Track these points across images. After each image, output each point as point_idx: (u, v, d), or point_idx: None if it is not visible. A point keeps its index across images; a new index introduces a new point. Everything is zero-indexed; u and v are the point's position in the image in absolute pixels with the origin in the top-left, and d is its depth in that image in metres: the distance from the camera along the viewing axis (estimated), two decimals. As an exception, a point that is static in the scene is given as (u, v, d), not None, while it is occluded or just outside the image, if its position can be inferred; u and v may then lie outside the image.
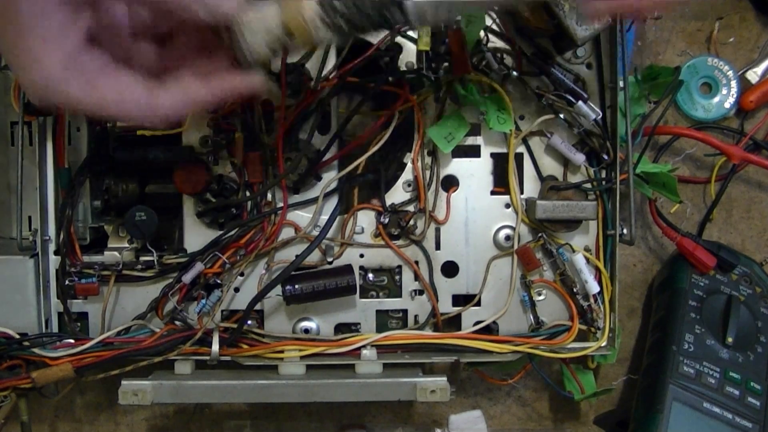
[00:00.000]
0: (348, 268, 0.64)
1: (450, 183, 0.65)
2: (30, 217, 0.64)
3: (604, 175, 0.64)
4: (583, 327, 0.65)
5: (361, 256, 0.65)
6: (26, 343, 0.62)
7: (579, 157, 0.64)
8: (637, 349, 0.74)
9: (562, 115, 0.63)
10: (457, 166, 0.65)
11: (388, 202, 0.64)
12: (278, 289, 0.63)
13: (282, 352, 0.62)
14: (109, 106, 0.42)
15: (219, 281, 0.64)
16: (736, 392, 0.65)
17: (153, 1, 0.41)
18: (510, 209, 0.65)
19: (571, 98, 0.62)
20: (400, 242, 0.65)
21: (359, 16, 0.45)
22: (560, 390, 0.68)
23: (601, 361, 0.67)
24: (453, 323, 0.66)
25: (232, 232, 0.63)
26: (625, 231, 0.64)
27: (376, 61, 0.63)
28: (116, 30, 0.43)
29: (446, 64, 0.62)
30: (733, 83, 0.72)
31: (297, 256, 0.63)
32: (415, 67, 0.63)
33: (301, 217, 0.65)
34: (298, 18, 0.44)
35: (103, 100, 0.42)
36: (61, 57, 0.40)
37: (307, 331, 0.65)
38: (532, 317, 0.66)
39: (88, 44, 0.41)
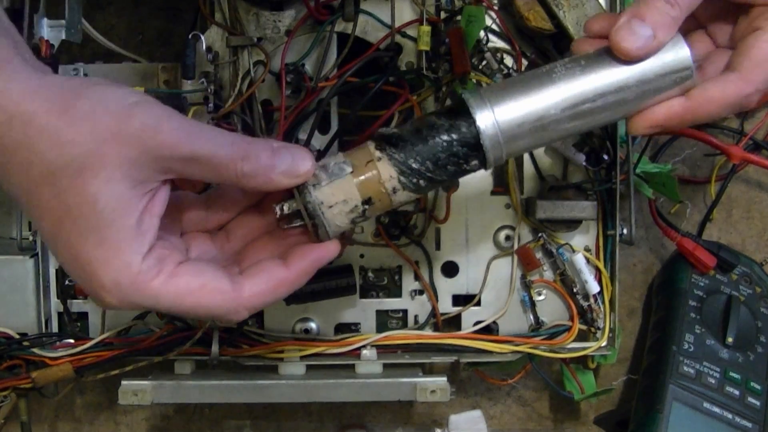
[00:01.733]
0: (348, 268, 0.64)
1: (450, 183, 0.65)
2: (30, 217, 0.64)
3: (604, 175, 0.64)
4: (583, 327, 0.65)
5: (361, 256, 0.65)
6: (26, 343, 0.62)
7: (579, 157, 0.64)
8: (637, 349, 0.74)
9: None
10: (457, 166, 0.65)
11: (388, 202, 0.64)
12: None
13: (282, 352, 0.62)
14: (190, 301, 0.41)
15: (219, 281, 0.64)
16: (736, 392, 0.65)
17: (242, 173, 0.41)
18: (510, 209, 0.65)
19: (571, 98, 0.62)
20: (400, 242, 0.65)
21: (437, 171, 0.44)
22: (560, 390, 0.68)
23: (601, 361, 0.67)
24: (453, 323, 0.66)
25: (232, 232, 0.63)
26: (625, 231, 0.64)
27: (376, 61, 0.63)
28: (193, 217, 0.45)
29: (446, 64, 0.62)
30: (733, 83, 0.72)
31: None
32: (415, 67, 0.63)
33: (301, 217, 0.65)
34: (378, 187, 0.44)
35: (185, 295, 0.40)
36: (138, 256, 0.39)
37: (307, 331, 0.65)
38: (532, 317, 0.66)
39: (161, 241, 0.41)
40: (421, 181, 0.44)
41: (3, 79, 0.38)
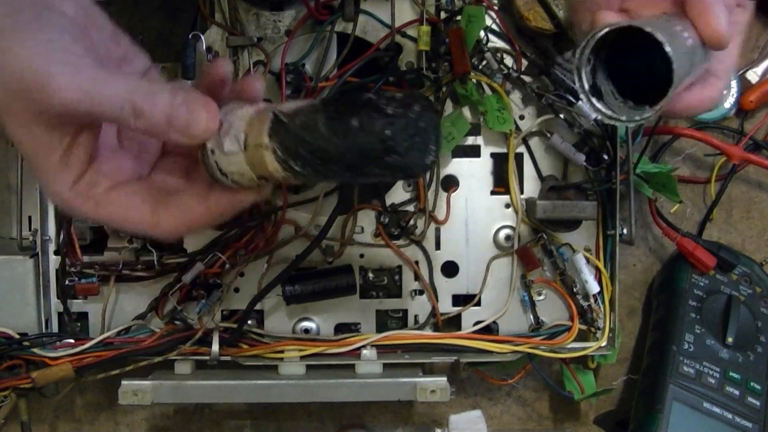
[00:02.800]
0: (348, 268, 0.64)
1: (450, 183, 0.65)
2: (30, 217, 0.64)
3: (604, 175, 0.64)
4: (583, 327, 0.65)
5: (361, 256, 0.65)
6: (26, 343, 0.62)
7: (579, 157, 0.64)
8: (637, 349, 0.74)
9: (562, 115, 0.63)
10: (457, 166, 0.65)
11: (388, 202, 0.64)
12: (278, 289, 0.63)
13: (282, 352, 0.62)
14: (116, 224, 0.45)
15: (219, 281, 0.64)
16: (736, 392, 0.65)
17: (138, 129, 0.41)
18: (510, 209, 0.65)
19: (571, 98, 0.62)
20: (400, 242, 0.65)
21: (327, 165, 0.39)
22: (560, 390, 0.68)
23: (601, 361, 0.67)
24: (453, 323, 0.66)
25: (232, 232, 0.63)
26: (625, 231, 0.64)
27: (376, 61, 0.63)
28: (115, 156, 0.46)
29: (446, 64, 0.62)
30: (733, 83, 0.72)
31: (297, 256, 0.63)
32: (415, 67, 0.63)
33: (301, 217, 0.65)
34: (268, 173, 0.41)
35: (111, 219, 0.44)
36: (66, 185, 0.43)
37: (307, 331, 0.65)
38: (532, 317, 0.66)
39: (91, 170, 0.43)
40: (306, 170, 0.40)
41: None
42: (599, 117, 0.45)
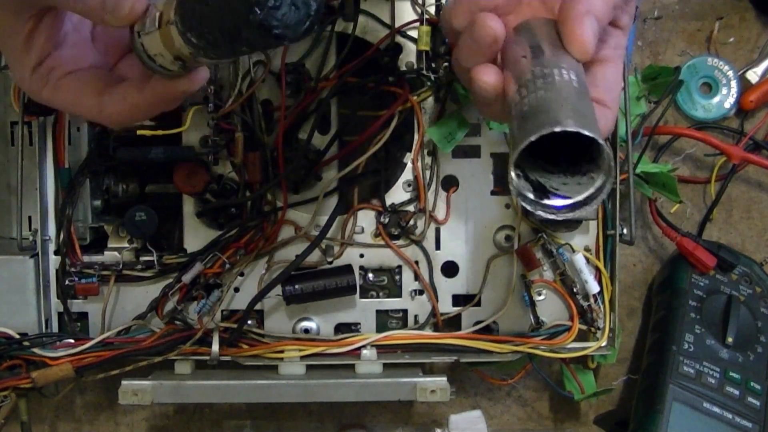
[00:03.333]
0: (348, 268, 0.64)
1: (450, 183, 0.65)
2: (30, 217, 0.64)
3: (604, 175, 0.64)
4: (583, 327, 0.65)
5: (361, 256, 0.65)
6: (26, 343, 0.62)
7: (579, 157, 0.63)
8: (637, 349, 0.74)
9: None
10: (457, 166, 0.65)
11: (388, 202, 0.64)
12: (278, 289, 0.63)
13: (282, 352, 0.62)
14: (69, 109, 0.50)
15: (219, 281, 0.64)
16: (736, 392, 0.65)
17: (78, 12, 0.44)
18: (510, 209, 0.65)
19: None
20: (400, 242, 0.65)
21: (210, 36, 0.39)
22: (560, 390, 0.68)
23: (601, 361, 0.67)
24: (453, 323, 0.66)
25: (232, 232, 0.63)
26: (625, 231, 0.64)
27: (376, 61, 0.63)
28: (71, 41, 0.48)
29: (446, 64, 0.62)
30: (733, 83, 0.72)
31: (297, 256, 0.63)
32: (415, 67, 0.63)
33: (301, 217, 0.65)
34: (179, 51, 0.42)
35: (64, 104, 0.48)
36: (28, 68, 0.47)
37: (307, 331, 0.65)
38: (532, 317, 0.66)
39: (53, 56, 0.47)
40: (203, 46, 0.40)
41: None
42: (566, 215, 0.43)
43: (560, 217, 0.43)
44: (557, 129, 0.39)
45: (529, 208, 0.43)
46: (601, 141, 0.39)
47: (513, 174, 0.42)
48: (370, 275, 0.66)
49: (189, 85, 0.46)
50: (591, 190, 0.42)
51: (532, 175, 0.43)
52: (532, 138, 0.39)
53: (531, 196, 0.43)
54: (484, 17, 0.45)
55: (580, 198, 0.42)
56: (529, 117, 0.41)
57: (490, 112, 0.48)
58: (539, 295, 0.66)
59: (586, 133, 0.39)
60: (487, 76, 0.45)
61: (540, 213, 0.43)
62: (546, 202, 0.43)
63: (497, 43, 0.45)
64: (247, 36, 0.37)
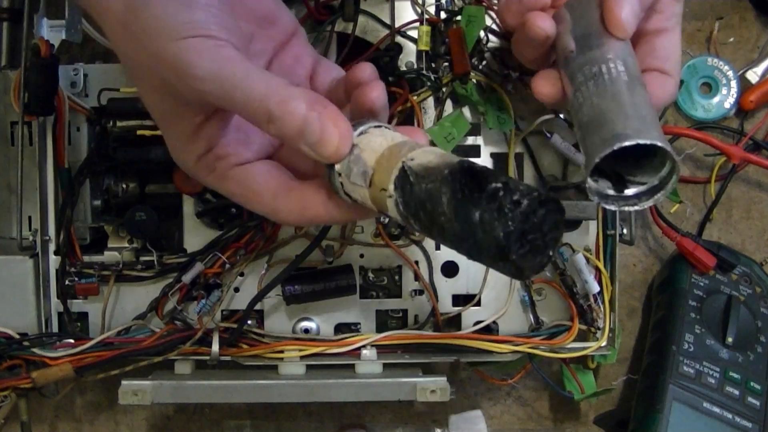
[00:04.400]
0: (348, 268, 0.64)
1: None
2: (30, 217, 0.64)
3: (604, 175, 0.64)
4: (583, 327, 0.65)
5: (361, 256, 0.65)
6: (26, 343, 0.62)
7: (579, 157, 0.64)
8: (637, 349, 0.74)
9: (562, 115, 0.63)
10: (457, 166, 0.65)
11: (388, 202, 0.64)
12: (278, 289, 0.63)
13: (282, 352, 0.62)
14: (238, 200, 0.45)
15: (219, 281, 0.64)
16: (736, 392, 0.65)
17: (270, 133, 0.41)
18: (510, 209, 0.65)
19: (571, 98, 0.62)
20: (400, 242, 0.65)
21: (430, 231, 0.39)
22: (560, 390, 0.68)
23: (601, 361, 0.67)
24: (453, 323, 0.66)
25: (232, 232, 0.63)
26: (625, 231, 0.64)
27: (376, 61, 0.63)
28: (247, 132, 0.46)
29: (446, 64, 0.62)
30: (733, 83, 0.72)
31: (297, 256, 0.63)
32: (415, 67, 0.63)
33: (301, 217, 0.65)
34: (386, 209, 0.40)
35: (232, 195, 0.45)
36: (193, 156, 0.44)
37: (307, 331, 0.65)
38: (532, 317, 0.66)
39: (220, 145, 0.44)
40: (412, 220, 0.39)
41: None
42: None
43: (642, 205, 0.45)
44: (616, 147, 0.41)
45: (612, 207, 0.45)
46: (660, 143, 0.41)
47: (590, 181, 0.44)
48: (370, 275, 0.66)
49: (380, 215, 0.43)
50: (662, 173, 0.44)
51: (607, 169, 0.45)
52: (597, 160, 0.42)
53: (611, 192, 0.45)
54: (534, 18, 0.47)
55: (655, 182, 0.45)
56: (590, 130, 0.44)
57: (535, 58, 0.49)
58: (539, 295, 0.66)
59: (646, 142, 0.41)
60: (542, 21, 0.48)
61: (624, 208, 0.45)
62: (627, 193, 0.45)
63: (549, 39, 0.48)
64: (485, 261, 0.38)
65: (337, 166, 0.41)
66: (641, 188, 0.45)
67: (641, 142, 0.41)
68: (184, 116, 0.43)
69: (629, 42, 0.47)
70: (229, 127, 0.45)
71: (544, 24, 0.47)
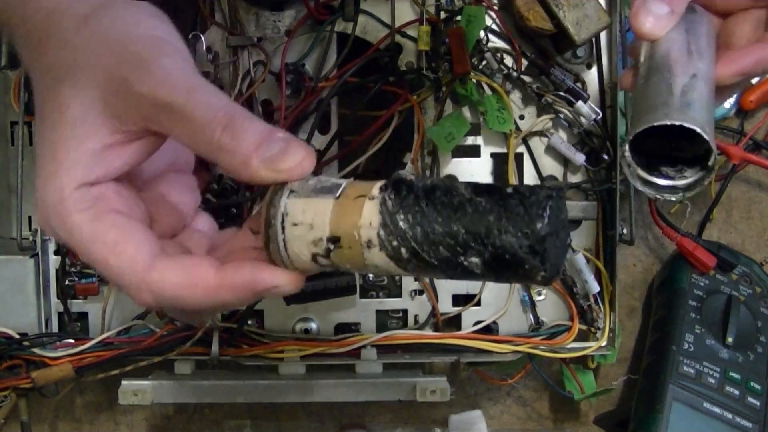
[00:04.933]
0: (348, 268, 0.64)
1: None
2: (30, 217, 0.64)
3: (604, 175, 0.64)
4: (583, 327, 0.65)
5: (361, 256, 0.65)
6: (26, 343, 0.62)
7: (579, 157, 0.64)
8: (637, 349, 0.74)
9: (562, 115, 0.63)
10: (457, 166, 0.65)
11: (388, 202, 0.64)
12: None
13: (282, 352, 0.62)
14: (98, 252, 0.37)
15: (219, 281, 0.64)
16: (736, 392, 0.65)
17: (216, 145, 0.35)
18: (510, 209, 0.65)
19: (571, 98, 0.62)
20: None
21: (425, 245, 0.33)
22: (560, 390, 0.68)
23: (601, 361, 0.67)
24: (453, 323, 0.66)
25: (232, 232, 0.63)
26: (625, 231, 0.64)
27: (376, 61, 0.63)
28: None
29: (446, 64, 0.62)
30: (733, 83, 0.72)
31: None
32: (415, 67, 0.63)
33: (301, 217, 0.64)
34: (352, 230, 0.34)
35: (96, 242, 0.37)
36: (77, 180, 0.36)
37: (307, 331, 0.65)
38: (532, 317, 0.66)
39: (113, 184, 0.38)
40: (403, 249, 0.34)
41: None
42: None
43: (660, 195, 0.45)
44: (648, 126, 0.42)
45: (637, 182, 0.45)
46: (706, 136, 0.41)
47: (627, 147, 0.44)
48: (370, 275, 0.66)
49: (292, 285, 0.36)
50: (692, 179, 0.45)
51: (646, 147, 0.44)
52: (630, 137, 0.43)
53: (639, 170, 0.45)
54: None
55: (681, 183, 0.45)
56: (635, 107, 0.44)
57: None
58: (539, 295, 0.66)
59: (674, 123, 0.41)
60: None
61: (645, 189, 0.45)
62: (651, 179, 0.45)
63: None
64: (513, 269, 0.33)
65: (291, 185, 0.36)
66: (667, 182, 0.45)
67: (668, 123, 0.41)
68: (102, 127, 0.36)
69: (699, 21, 0.47)
70: (138, 164, 0.38)
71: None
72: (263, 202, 0.36)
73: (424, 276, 0.36)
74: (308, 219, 0.35)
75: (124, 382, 0.60)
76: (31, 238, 0.63)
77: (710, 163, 0.43)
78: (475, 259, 0.33)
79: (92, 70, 0.36)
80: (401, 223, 0.33)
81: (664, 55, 0.45)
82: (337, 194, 0.35)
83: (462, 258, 0.33)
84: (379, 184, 0.35)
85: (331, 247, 0.34)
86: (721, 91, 0.46)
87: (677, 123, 0.41)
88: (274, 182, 0.36)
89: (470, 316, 0.66)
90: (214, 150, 0.35)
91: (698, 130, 0.41)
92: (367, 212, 0.34)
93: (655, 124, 0.41)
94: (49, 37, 0.38)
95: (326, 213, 0.34)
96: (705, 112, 0.43)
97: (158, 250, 0.37)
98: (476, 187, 0.33)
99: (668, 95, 0.43)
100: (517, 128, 0.64)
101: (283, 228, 0.35)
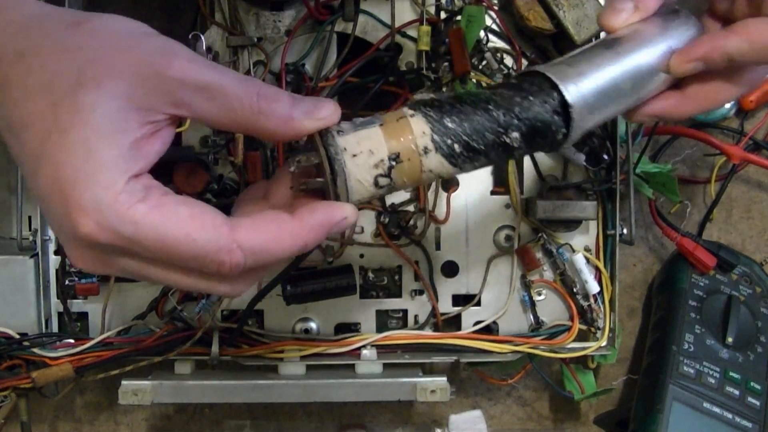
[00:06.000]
0: (348, 268, 0.64)
1: (450, 183, 0.65)
2: (30, 217, 0.64)
3: (604, 175, 0.64)
4: (583, 327, 0.65)
5: (361, 256, 0.65)
6: (26, 343, 0.62)
7: (579, 157, 0.64)
8: (637, 349, 0.74)
9: (562, 115, 0.63)
10: (457, 166, 0.65)
11: (388, 202, 0.64)
12: (278, 289, 0.63)
13: (282, 352, 0.62)
14: (177, 237, 0.37)
15: (219, 281, 0.64)
16: (736, 392, 0.65)
17: (255, 110, 0.38)
18: (510, 209, 0.65)
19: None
20: (400, 242, 0.65)
21: (475, 135, 0.41)
22: (560, 390, 0.68)
23: (601, 361, 0.67)
24: (453, 323, 0.66)
25: (232, 232, 0.63)
26: (625, 231, 0.64)
27: (376, 61, 0.63)
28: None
29: (446, 64, 0.62)
30: (733, 83, 0.72)
31: (297, 256, 0.63)
32: (415, 67, 0.63)
33: (301, 217, 0.64)
34: (408, 143, 0.40)
35: (170, 228, 0.36)
36: (123, 178, 0.36)
37: (307, 331, 0.65)
38: (532, 317, 0.66)
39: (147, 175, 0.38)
40: (456, 145, 0.40)
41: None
42: None
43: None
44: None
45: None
46: (568, 96, 0.42)
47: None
48: (370, 275, 0.66)
49: (355, 215, 0.40)
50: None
51: None
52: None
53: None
54: None
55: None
56: None
57: None
58: (539, 295, 0.66)
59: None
60: None
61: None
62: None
63: None
64: (542, 145, 0.43)
65: (334, 128, 0.40)
66: None
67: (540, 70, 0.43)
68: (132, 122, 0.36)
69: (682, 25, 0.46)
70: (163, 152, 0.39)
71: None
72: (311, 154, 0.40)
73: (470, 168, 0.42)
74: (365, 147, 0.39)
75: (124, 382, 0.60)
76: (31, 238, 0.63)
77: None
78: (515, 134, 0.41)
79: (111, 67, 0.36)
80: (450, 124, 0.40)
81: (617, 36, 0.45)
82: (381, 122, 0.40)
83: (504, 137, 0.41)
84: (406, 108, 0.41)
85: (393, 164, 0.40)
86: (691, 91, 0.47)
87: (543, 72, 0.43)
88: (316, 130, 0.39)
89: (470, 316, 0.66)
90: (254, 115, 0.38)
91: (560, 86, 0.42)
92: (416, 125, 0.40)
93: (535, 68, 0.44)
94: (38, 46, 0.37)
95: (379, 138, 0.40)
96: (593, 89, 0.43)
97: (224, 216, 0.38)
98: (486, 88, 0.42)
99: (574, 56, 0.45)
100: (517, 128, 0.64)
101: (344, 161, 0.39)
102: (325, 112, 0.39)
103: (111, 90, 0.36)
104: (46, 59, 0.36)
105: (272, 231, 0.38)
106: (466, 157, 0.41)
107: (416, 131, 0.40)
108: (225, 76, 0.38)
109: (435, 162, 0.41)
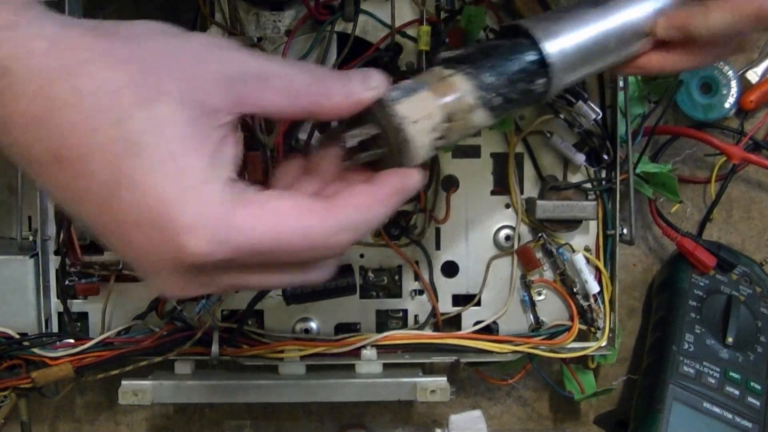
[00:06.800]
0: (348, 268, 0.64)
1: (450, 183, 0.65)
2: (30, 217, 0.64)
3: (604, 175, 0.64)
4: (583, 327, 0.65)
5: (361, 256, 0.65)
6: (26, 343, 0.62)
7: (579, 157, 0.64)
8: (637, 349, 0.74)
9: (562, 115, 0.63)
10: (457, 166, 0.65)
11: (388, 202, 0.64)
12: (278, 289, 0.63)
13: (282, 352, 0.62)
14: (290, 224, 0.35)
15: (219, 281, 0.64)
16: (736, 392, 0.65)
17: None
18: (510, 209, 0.65)
19: (570, 98, 0.62)
20: (400, 242, 0.65)
21: (510, 87, 0.42)
22: (560, 390, 0.68)
23: (601, 361, 0.67)
24: (453, 323, 0.66)
25: (232, 232, 0.63)
26: (625, 231, 0.64)
27: (376, 61, 0.63)
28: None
29: (446, 64, 0.62)
30: (733, 83, 0.72)
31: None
32: (415, 67, 0.63)
33: (301, 217, 0.64)
34: (457, 104, 0.41)
35: (281, 227, 0.35)
36: (218, 188, 0.34)
37: (307, 331, 0.65)
38: (532, 317, 0.66)
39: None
40: (496, 98, 0.42)
41: (35, 10, 0.34)
42: None
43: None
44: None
45: None
46: (543, 46, 0.45)
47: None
48: (370, 275, 0.66)
49: (422, 179, 0.41)
50: None
51: None
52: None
53: None
54: None
55: None
56: None
57: None
58: (539, 295, 0.66)
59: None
60: None
61: None
62: None
63: None
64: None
65: (385, 96, 0.40)
66: None
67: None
68: (208, 129, 0.34)
69: None
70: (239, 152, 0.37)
71: None
72: (366, 127, 0.40)
73: (501, 114, 0.43)
74: (422, 113, 0.40)
75: (124, 382, 0.60)
76: (31, 238, 0.63)
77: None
78: (541, 80, 0.43)
79: (168, 74, 0.34)
80: (489, 79, 0.42)
81: None
82: (427, 84, 0.41)
83: (532, 85, 0.43)
84: (440, 68, 0.42)
85: (446, 125, 0.41)
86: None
87: (523, 26, 0.44)
88: (375, 99, 0.39)
89: (470, 316, 0.66)
90: (316, 96, 0.38)
91: (534, 37, 0.43)
92: (460, 85, 0.41)
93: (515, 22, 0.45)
94: (82, 62, 0.33)
95: (432, 102, 0.40)
96: (570, 43, 0.44)
97: (318, 201, 0.37)
98: (498, 39, 0.46)
99: (558, 12, 0.47)
100: (517, 128, 0.64)
101: (406, 129, 0.39)
102: (377, 80, 0.40)
103: (177, 98, 0.34)
104: (95, 76, 0.33)
105: (363, 206, 0.37)
106: (505, 108, 0.43)
107: (461, 90, 0.41)
108: (277, 63, 0.38)
109: (481, 117, 0.42)
